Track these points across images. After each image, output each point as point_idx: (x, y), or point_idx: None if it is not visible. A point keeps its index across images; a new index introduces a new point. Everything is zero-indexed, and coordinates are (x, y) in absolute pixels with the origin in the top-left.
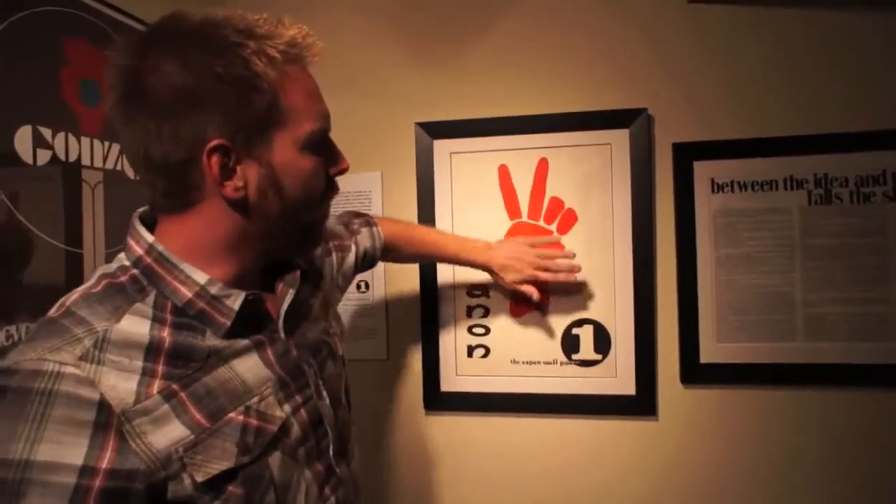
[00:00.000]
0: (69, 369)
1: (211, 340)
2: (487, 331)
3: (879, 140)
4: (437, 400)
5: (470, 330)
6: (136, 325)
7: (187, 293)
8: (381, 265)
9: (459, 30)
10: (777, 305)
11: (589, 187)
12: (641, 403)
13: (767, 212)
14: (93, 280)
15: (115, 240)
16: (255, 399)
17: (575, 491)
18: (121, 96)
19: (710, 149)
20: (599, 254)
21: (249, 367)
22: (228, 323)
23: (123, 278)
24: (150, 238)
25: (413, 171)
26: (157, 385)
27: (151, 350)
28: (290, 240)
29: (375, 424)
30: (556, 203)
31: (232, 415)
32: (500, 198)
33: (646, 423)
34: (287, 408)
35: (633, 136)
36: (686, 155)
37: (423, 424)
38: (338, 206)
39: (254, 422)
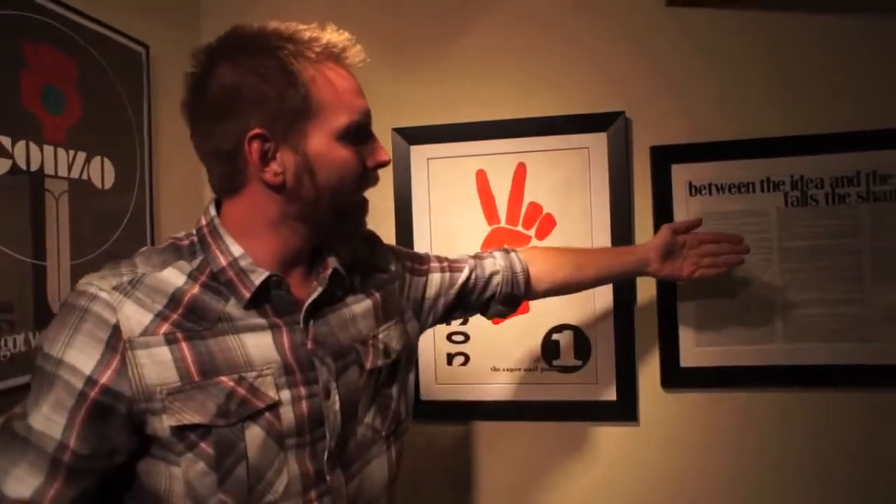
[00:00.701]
0: (103, 294)
1: (231, 308)
2: (467, 338)
3: (853, 141)
4: (417, 410)
5: (449, 338)
6: (172, 276)
7: (223, 262)
8: None
9: (435, 36)
10: (756, 308)
11: (567, 192)
12: (623, 409)
13: (745, 214)
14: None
15: (81, 251)
16: (253, 374)
17: (558, 497)
18: (187, 100)
19: (687, 152)
20: None
21: (258, 345)
22: (248, 294)
23: (185, 241)
24: (213, 212)
25: (391, 178)
26: (164, 328)
27: (174, 300)
28: (328, 224)
29: None
30: (535, 208)
31: (223, 378)
32: (479, 203)
33: (628, 429)
34: (285, 394)
35: (611, 139)
36: (664, 158)
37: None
38: None
39: (242, 392)
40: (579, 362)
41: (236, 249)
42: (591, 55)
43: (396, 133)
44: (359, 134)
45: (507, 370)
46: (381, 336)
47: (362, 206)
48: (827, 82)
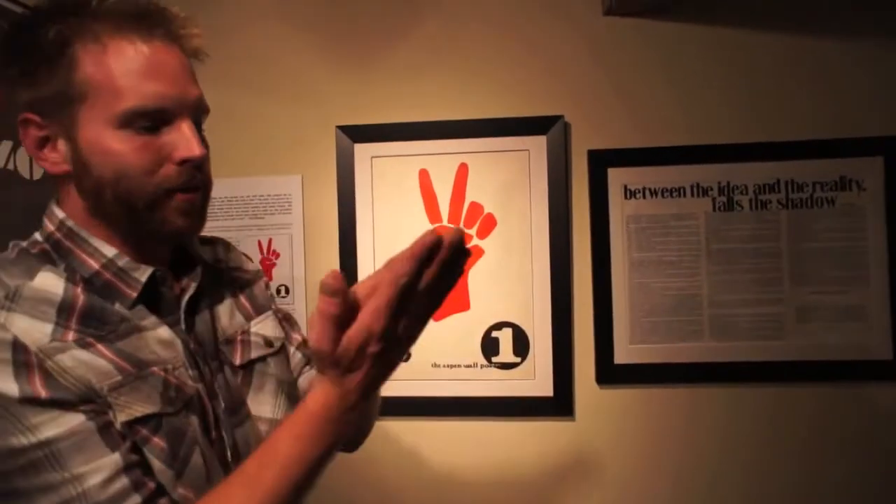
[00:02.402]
0: None
1: (121, 310)
2: None
3: (774, 151)
4: None
5: None
6: (49, 282)
7: (94, 265)
8: (300, 254)
9: (379, 34)
10: (685, 307)
11: (508, 192)
12: (559, 404)
13: (676, 217)
14: (7, 251)
15: (6, 244)
16: (170, 366)
17: (494, 492)
18: None
19: (623, 156)
20: (518, 258)
21: (161, 341)
22: (135, 294)
23: (34, 250)
24: (60, 214)
25: (334, 175)
26: (71, 336)
27: (64, 311)
28: (134, 224)
29: None
30: (476, 208)
31: (155, 369)
32: (421, 202)
33: (563, 424)
34: (199, 387)
35: (550, 142)
36: (601, 162)
37: None
38: (258, 210)
39: (173, 380)
40: (518, 359)
41: (109, 250)
42: (533, 59)
43: (340, 130)
44: (155, 122)
45: (448, 366)
46: (253, 329)
47: (163, 202)
48: (750, 93)
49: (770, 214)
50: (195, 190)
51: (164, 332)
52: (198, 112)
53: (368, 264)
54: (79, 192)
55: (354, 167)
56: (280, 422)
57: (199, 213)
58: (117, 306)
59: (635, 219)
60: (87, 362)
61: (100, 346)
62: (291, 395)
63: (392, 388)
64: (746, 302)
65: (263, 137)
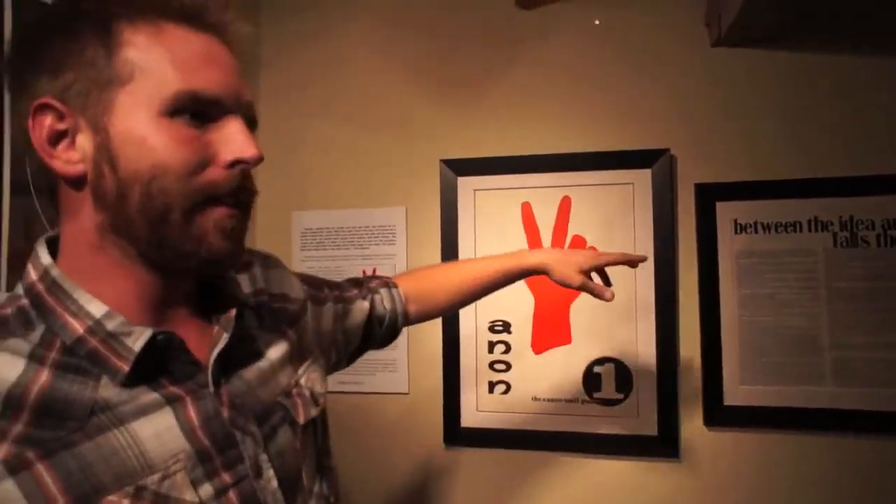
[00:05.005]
0: None
1: (106, 391)
2: (509, 367)
3: None
4: (458, 435)
5: (491, 366)
6: (1, 367)
7: (78, 328)
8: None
9: (484, 71)
10: (803, 348)
11: (611, 226)
12: (664, 444)
13: (791, 253)
14: None
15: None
16: (156, 478)
17: None
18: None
19: (732, 190)
20: (621, 292)
21: (157, 432)
22: (126, 368)
23: (9, 310)
24: (46, 260)
25: (437, 208)
26: (2, 451)
27: (11, 402)
28: (158, 244)
29: (394, 459)
30: (579, 241)
31: (112, 498)
32: (523, 235)
33: (668, 465)
34: (206, 490)
35: (656, 176)
36: (708, 195)
37: (443, 459)
38: (363, 240)
39: None
40: (621, 396)
41: (95, 307)
42: (639, 92)
43: (444, 164)
44: (205, 115)
45: (548, 400)
46: (302, 381)
47: (202, 212)
48: (877, 123)
49: None
50: (238, 205)
51: (163, 420)
52: (249, 116)
53: None
54: (94, 200)
55: (458, 200)
56: (327, 498)
57: (239, 236)
58: (104, 382)
59: (746, 254)
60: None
61: (38, 468)
62: (323, 464)
63: (491, 419)
64: (874, 345)
65: (369, 170)
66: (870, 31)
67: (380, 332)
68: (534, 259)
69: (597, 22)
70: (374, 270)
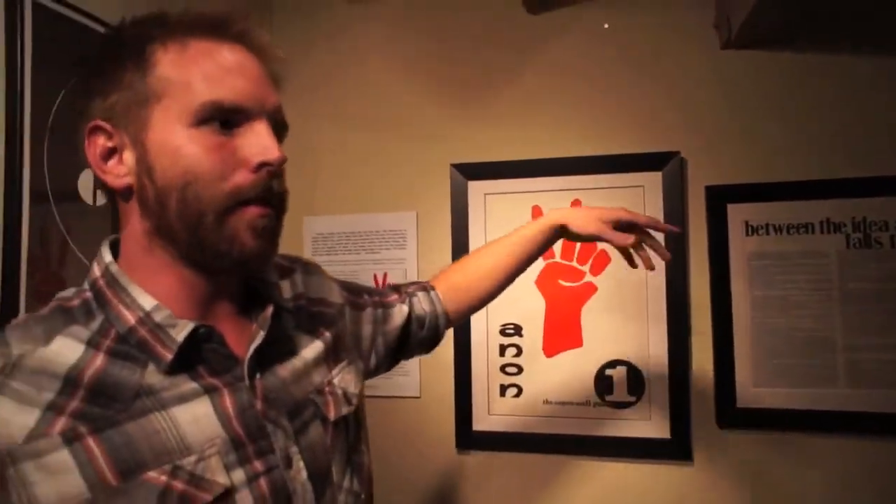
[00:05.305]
0: None
1: (151, 377)
2: (520, 370)
3: None
4: (469, 439)
5: (503, 369)
6: (64, 349)
7: (130, 319)
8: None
9: (494, 75)
10: (816, 350)
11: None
12: (676, 447)
13: (804, 255)
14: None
15: None
16: (192, 459)
17: None
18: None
19: (743, 192)
20: (632, 295)
21: (196, 418)
22: (170, 356)
23: (76, 301)
24: (107, 258)
25: (448, 212)
26: (60, 423)
27: (71, 382)
28: (198, 246)
29: (406, 463)
30: (590, 244)
31: (152, 474)
32: None
33: (681, 468)
34: (239, 475)
35: (666, 178)
36: (720, 198)
37: (455, 463)
38: (374, 244)
39: (179, 486)
40: (633, 398)
41: (146, 301)
42: (648, 95)
43: (455, 168)
44: (231, 121)
45: (560, 403)
46: (336, 381)
47: (233, 214)
48: (890, 123)
49: None
50: (269, 205)
51: (201, 407)
52: (276, 119)
53: None
54: (140, 208)
55: (468, 204)
56: (357, 494)
57: (271, 234)
58: (150, 369)
59: (758, 255)
60: (56, 475)
61: (89, 441)
62: (353, 460)
63: (503, 423)
64: (888, 347)
65: (380, 175)
66: (874, 31)
67: (421, 334)
68: (553, 215)
69: (606, 26)
70: (386, 275)
